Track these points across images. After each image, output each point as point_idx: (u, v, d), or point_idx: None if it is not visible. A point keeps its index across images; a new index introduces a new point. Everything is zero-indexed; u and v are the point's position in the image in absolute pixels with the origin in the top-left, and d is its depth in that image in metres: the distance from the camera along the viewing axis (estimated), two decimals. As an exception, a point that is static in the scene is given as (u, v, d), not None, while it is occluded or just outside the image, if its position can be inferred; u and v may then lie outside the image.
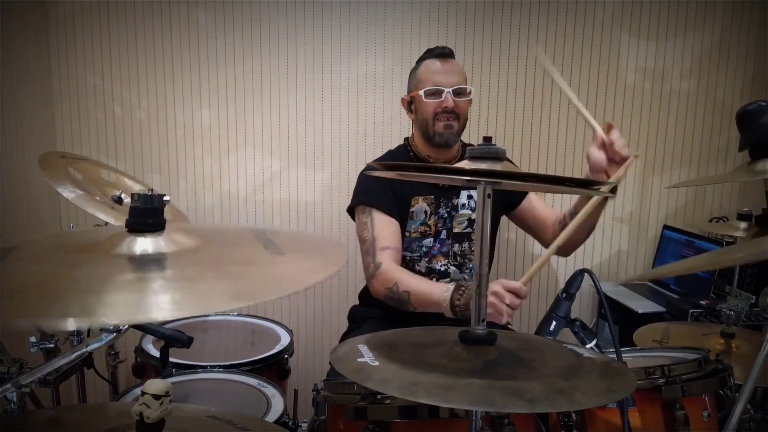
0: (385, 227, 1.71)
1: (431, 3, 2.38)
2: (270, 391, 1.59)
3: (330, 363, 1.76)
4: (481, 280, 0.74)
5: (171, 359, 1.66)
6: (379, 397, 0.90)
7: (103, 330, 0.75)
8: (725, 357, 1.38)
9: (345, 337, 1.93)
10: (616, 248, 2.58)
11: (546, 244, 1.87)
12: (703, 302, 2.11)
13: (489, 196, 0.72)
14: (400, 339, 0.80)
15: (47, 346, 1.35)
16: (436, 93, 1.71)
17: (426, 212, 1.78)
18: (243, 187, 2.46)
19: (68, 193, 1.72)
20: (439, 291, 1.49)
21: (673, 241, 2.46)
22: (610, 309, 2.33)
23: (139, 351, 1.77)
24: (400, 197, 1.76)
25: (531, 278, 1.34)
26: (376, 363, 0.67)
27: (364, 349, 0.73)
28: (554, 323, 0.99)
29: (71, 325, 0.60)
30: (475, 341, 0.72)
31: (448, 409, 0.87)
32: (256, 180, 2.46)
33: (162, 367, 1.60)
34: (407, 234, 1.78)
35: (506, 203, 1.87)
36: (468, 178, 0.67)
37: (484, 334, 0.73)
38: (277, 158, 2.45)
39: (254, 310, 2.33)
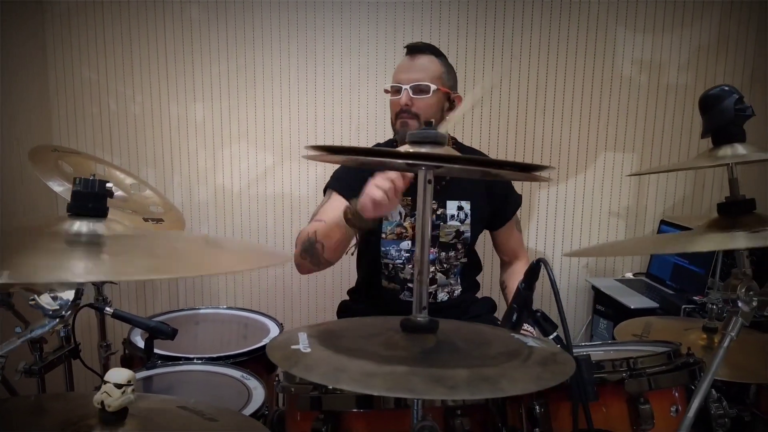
0: (330, 206, 1.68)
1: (423, 2, 2.36)
2: (252, 383, 1.59)
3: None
4: (423, 267, 0.73)
5: (159, 351, 1.67)
6: (331, 387, 0.89)
7: (46, 315, 0.76)
8: (706, 352, 1.35)
9: None
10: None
11: (500, 266, 1.99)
12: (696, 298, 2.07)
13: (429, 182, 0.71)
14: (345, 328, 0.79)
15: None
16: (395, 90, 1.67)
17: (401, 213, 1.76)
18: (237, 182, 2.48)
19: (57, 186, 1.74)
20: (337, 215, 1.51)
21: (670, 237, 2.42)
22: (604, 305, 2.33)
23: (128, 343, 1.79)
24: None
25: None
26: (308, 350, 0.66)
27: (302, 336, 0.72)
28: (515, 314, 0.98)
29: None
30: (414, 329, 0.72)
31: (403, 399, 0.87)
32: (249, 174, 2.47)
33: (147, 359, 1.61)
34: (383, 236, 1.75)
35: (489, 222, 1.86)
36: (408, 161, 0.66)
37: (424, 322, 0.72)
38: (270, 152, 2.46)
39: (248, 304, 2.35)
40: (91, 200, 0.75)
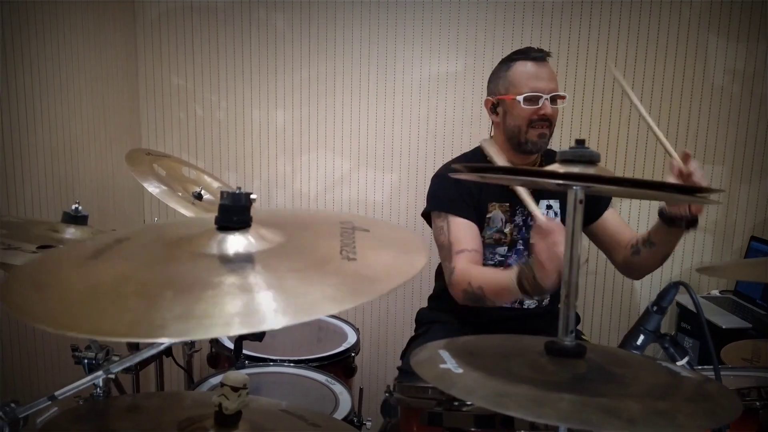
0: (461, 231, 1.66)
1: (506, 3, 2.33)
2: (338, 388, 1.60)
3: (398, 368, 1.78)
4: (570, 289, 0.71)
5: (243, 351, 1.71)
6: (455, 403, 0.88)
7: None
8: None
9: (413, 341, 1.91)
10: (699, 259, 2.45)
11: (616, 263, 1.79)
12: (793, 319, 1.97)
13: (581, 202, 0.69)
14: (481, 346, 0.78)
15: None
16: (533, 99, 1.62)
17: (502, 219, 1.73)
18: (314, 187, 2.51)
19: (153, 188, 1.80)
20: (507, 277, 1.44)
21: (761, 254, 2.32)
22: (690, 323, 2.25)
23: (214, 341, 1.82)
24: (477, 202, 1.72)
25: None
26: (460, 370, 0.66)
27: (445, 355, 0.72)
28: (642, 337, 0.94)
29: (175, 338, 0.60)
30: (562, 353, 0.70)
31: (528, 422, 0.85)
32: (326, 179, 2.50)
33: (236, 359, 1.64)
34: (481, 240, 1.74)
35: (585, 216, 1.79)
36: (560, 181, 0.65)
37: (572, 346, 0.70)
38: (347, 158, 2.48)
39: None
40: (237, 213, 0.77)
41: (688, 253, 2.44)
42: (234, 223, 0.77)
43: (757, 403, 0.95)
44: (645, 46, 2.33)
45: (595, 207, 1.78)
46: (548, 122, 1.64)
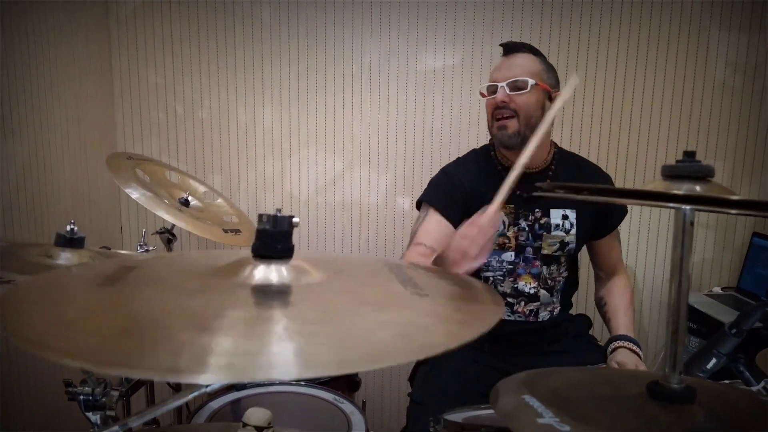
0: (431, 226, 1.59)
1: (505, 0, 2.24)
2: (348, 407, 1.50)
3: (409, 395, 1.67)
4: (679, 323, 0.62)
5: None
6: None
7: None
8: None
9: (421, 364, 1.78)
10: (700, 256, 2.41)
11: (595, 281, 1.85)
12: (805, 318, 1.94)
13: (691, 224, 0.60)
14: (565, 385, 0.68)
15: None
16: (491, 90, 1.57)
17: (504, 222, 1.65)
18: (305, 189, 2.37)
19: (137, 195, 1.66)
20: (432, 240, 1.47)
21: (764, 250, 2.29)
22: (695, 321, 2.20)
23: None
24: (472, 203, 1.62)
25: (502, 204, 1.23)
26: (566, 428, 0.56)
27: (533, 402, 0.61)
28: (714, 360, 0.86)
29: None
30: (670, 398, 0.60)
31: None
32: (318, 181, 2.37)
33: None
34: None
35: (594, 231, 1.73)
36: (673, 205, 0.55)
37: (680, 389, 0.61)
38: (340, 159, 2.35)
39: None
40: (280, 241, 0.65)
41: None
42: (276, 253, 0.65)
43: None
44: (646, 42, 2.27)
45: (607, 224, 1.74)
46: (510, 112, 1.54)
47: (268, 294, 0.63)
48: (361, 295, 0.65)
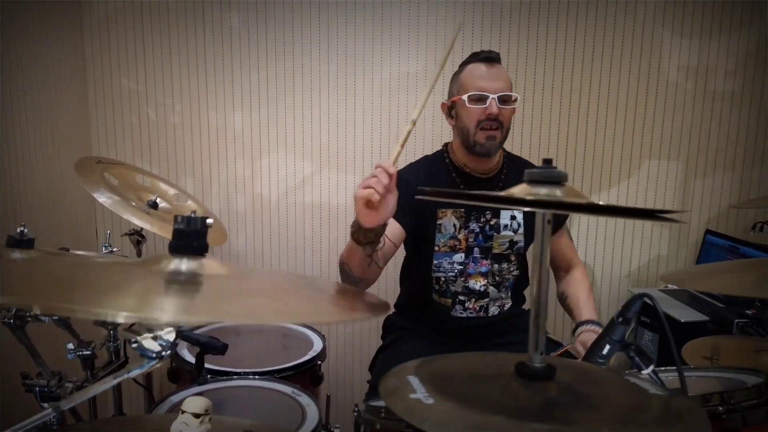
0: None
1: (465, 3, 2.33)
2: (304, 400, 1.57)
3: (368, 383, 1.76)
4: (539, 310, 0.70)
5: (207, 365, 1.65)
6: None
7: (144, 356, 0.74)
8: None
9: (381, 351, 1.89)
10: (656, 253, 2.50)
11: (556, 281, 1.93)
12: (748, 311, 2.03)
13: (549, 222, 0.68)
14: (453, 368, 0.76)
15: (84, 353, 1.35)
16: (480, 99, 1.61)
17: (455, 226, 1.73)
18: (275, 190, 2.45)
19: (104, 198, 1.72)
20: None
21: (715, 247, 2.38)
22: (649, 317, 2.29)
23: (174, 356, 1.76)
24: (424, 208, 1.69)
25: (396, 158, 1.36)
26: (431, 401, 0.64)
27: (415, 382, 0.70)
28: (608, 347, 0.95)
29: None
30: (532, 376, 0.69)
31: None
32: (288, 183, 2.45)
33: (197, 374, 1.59)
34: (436, 248, 1.72)
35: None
36: (529, 209, 0.63)
37: (542, 368, 0.69)
38: (309, 161, 2.43)
39: (286, 314, 2.32)
40: (195, 238, 0.73)
41: (646, 246, 2.50)
42: (192, 249, 0.73)
43: (720, 408, 0.97)
44: (601, 43, 2.35)
45: (554, 222, 1.81)
46: (497, 123, 1.62)
47: (177, 276, 0.73)
48: (259, 287, 0.73)
